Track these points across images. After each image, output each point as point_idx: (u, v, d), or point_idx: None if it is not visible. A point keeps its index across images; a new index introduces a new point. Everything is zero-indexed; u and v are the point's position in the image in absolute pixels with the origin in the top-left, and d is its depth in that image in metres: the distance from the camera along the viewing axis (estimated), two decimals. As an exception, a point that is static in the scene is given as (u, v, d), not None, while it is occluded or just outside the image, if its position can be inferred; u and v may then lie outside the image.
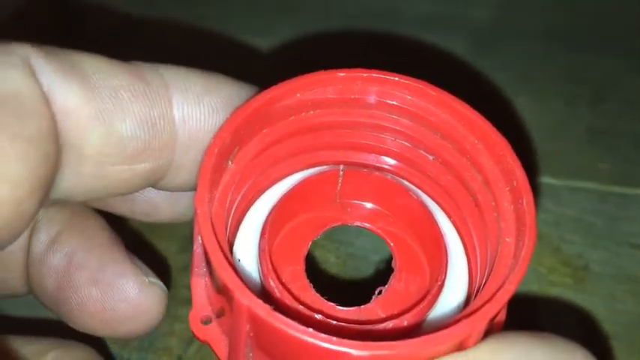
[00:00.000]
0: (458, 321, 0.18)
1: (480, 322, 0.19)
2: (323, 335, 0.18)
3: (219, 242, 0.19)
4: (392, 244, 0.25)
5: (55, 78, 0.19)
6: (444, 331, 0.18)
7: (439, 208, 0.25)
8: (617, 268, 0.34)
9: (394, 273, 0.24)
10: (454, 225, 0.25)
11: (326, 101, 0.23)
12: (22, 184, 0.18)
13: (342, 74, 0.23)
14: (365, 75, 0.23)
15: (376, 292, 0.23)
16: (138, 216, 0.26)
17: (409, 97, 0.23)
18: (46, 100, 0.19)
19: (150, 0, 0.46)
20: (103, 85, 0.19)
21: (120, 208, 0.25)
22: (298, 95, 0.23)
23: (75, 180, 0.20)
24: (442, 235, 0.24)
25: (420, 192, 0.25)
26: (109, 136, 0.20)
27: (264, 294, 0.22)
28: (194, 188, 0.20)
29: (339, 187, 0.25)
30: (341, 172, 0.25)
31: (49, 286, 0.23)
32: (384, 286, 0.24)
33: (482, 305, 0.19)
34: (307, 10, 0.47)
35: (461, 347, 0.19)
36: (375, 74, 0.23)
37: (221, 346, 0.21)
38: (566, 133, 0.40)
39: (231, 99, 0.22)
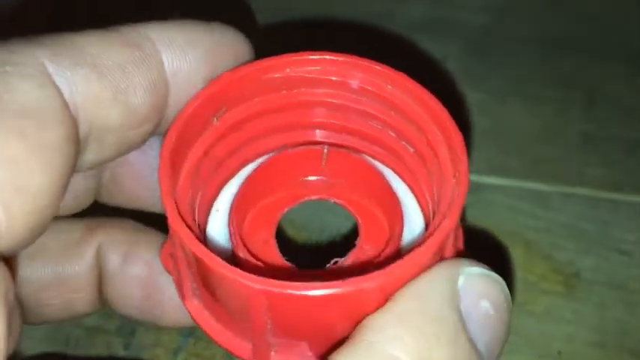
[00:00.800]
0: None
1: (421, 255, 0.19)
2: (232, 267, 0.19)
3: (170, 188, 0.21)
4: (353, 211, 0.26)
5: (71, 78, 0.20)
6: (376, 273, 0.18)
7: (395, 175, 0.26)
8: (608, 275, 0.34)
9: (359, 237, 0.25)
10: (410, 189, 0.25)
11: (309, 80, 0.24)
12: (45, 194, 0.19)
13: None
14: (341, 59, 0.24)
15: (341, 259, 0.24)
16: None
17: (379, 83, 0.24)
18: (65, 106, 0.20)
19: None
20: (111, 66, 0.21)
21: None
22: (288, 70, 0.24)
23: (99, 151, 0.22)
24: (398, 199, 0.25)
25: (374, 161, 0.26)
26: (127, 109, 0.21)
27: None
28: None
29: (323, 163, 0.26)
30: (325, 151, 0.26)
31: (135, 295, 0.27)
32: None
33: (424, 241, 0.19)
34: (297, 10, 0.47)
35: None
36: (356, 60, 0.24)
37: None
38: (557, 138, 0.40)
39: (214, 46, 0.23)
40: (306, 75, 0.24)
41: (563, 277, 0.33)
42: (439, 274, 0.19)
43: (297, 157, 0.26)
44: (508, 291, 0.20)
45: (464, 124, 0.40)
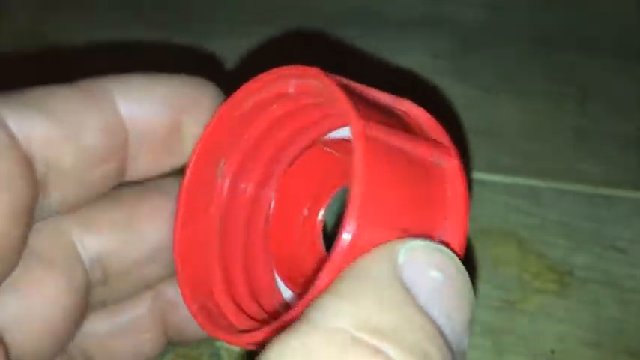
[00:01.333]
0: None
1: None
2: None
3: None
4: None
5: (23, 119, 0.21)
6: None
7: None
8: (602, 272, 0.33)
9: None
10: None
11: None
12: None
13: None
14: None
15: None
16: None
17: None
18: (14, 144, 0.21)
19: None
20: (62, 109, 0.22)
21: None
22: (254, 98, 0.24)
23: (61, 193, 0.23)
24: None
25: None
26: (79, 149, 0.22)
27: None
28: (154, 177, 0.25)
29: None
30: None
31: None
32: None
33: None
34: (290, 10, 0.46)
35: None
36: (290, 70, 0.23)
37: None
38: (550, 134, 0.39)
39: (174, 93, 0.24)
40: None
41: (556, 275, 0.33)
42: (377, 252, 0.19)
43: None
44: (460, 263, 0.19)
45: (455, 121, 0.40)
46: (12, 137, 0.21)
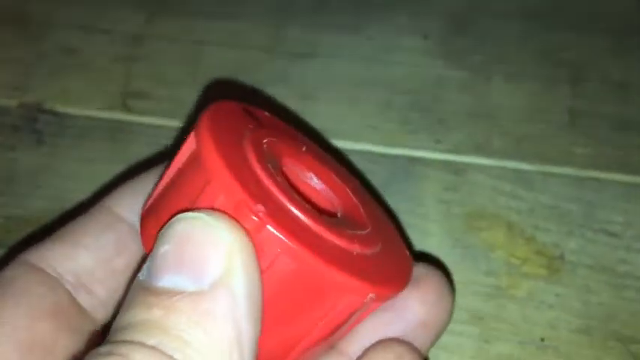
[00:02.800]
0: None
1: None
2: None
3: None
4: None
5: (65, 260, 0.25)
6: None
7: None
8: (593, 257, 0.32)
9: None
10: None
11: None
12: None
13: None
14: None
15: None
16: None
17: None
18: (58, 283, 0.25)
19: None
20: (90, 241, 0.26)
21: None
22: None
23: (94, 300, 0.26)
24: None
25: None
26: (110, 270, 0.26)
27: None
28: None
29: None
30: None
31: None
32: None
33: None
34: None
35: None
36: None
37: None
38: (542, 116, 0.38)
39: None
40: None
41: (546, 259, 0.32)
42: None
43: None
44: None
45: (445, 103, 0.39)
46: (59, 276, 0.24)
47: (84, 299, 0.25)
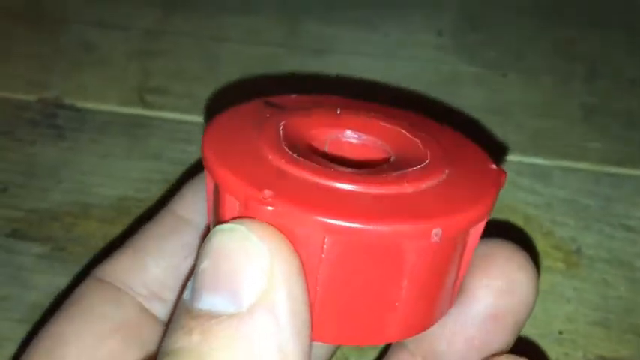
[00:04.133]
0: None
1: None
2: None
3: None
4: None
5: (136, 276, 0.24)
6: None
7: None
8: (611, 251, 0.32)
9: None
10: None
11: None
12: None
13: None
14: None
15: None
16: None
17: None
18: (131, 299, 0.24)
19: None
20: (161, 250, 0.25)
21: None
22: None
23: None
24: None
25: None
26: (179, 275, 0.25)
27: None
28: None
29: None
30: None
31: None
32: None
33: None
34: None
35: None
36: None
37: None
38: (557, 111, 0.39)
39: None
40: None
41: (564, 254, 0.32)
42: None
43: None
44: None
45: (460, 99, 0.39)
46: (129, 289, 0.24)
47: (158, 309, 0.24)
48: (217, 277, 0.17)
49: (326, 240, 0.18)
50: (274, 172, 0.19)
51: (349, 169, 0.20)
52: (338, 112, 0.23)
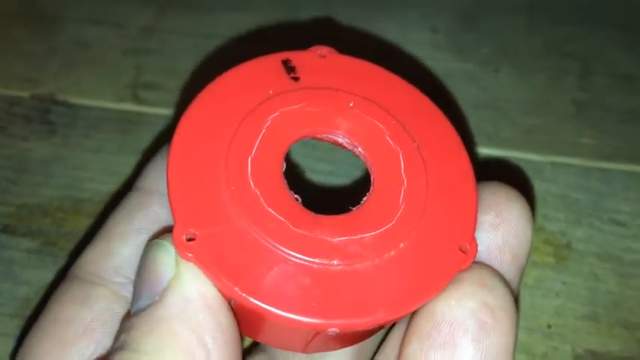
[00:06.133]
0: None
1: None
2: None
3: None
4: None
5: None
6: None
7: None
8: (601, 245, 0.32)
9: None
10: None
11: None
12: None
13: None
14: None
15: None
16: None
17: None
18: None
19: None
20: None
21: None
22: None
23: None
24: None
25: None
26: None
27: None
28: None
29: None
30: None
31: None
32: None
33: None
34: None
35: None
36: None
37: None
38: (550, 107, 0.39)
39: None
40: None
41: (554, 248, 0.32)
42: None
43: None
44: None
45: (454, 95, 0.39)
46: (101, 279, 0.24)
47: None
48: (142, 282, 0.19)
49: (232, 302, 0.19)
50: (221, 206, 0.19)
51: (305, 223, 0.19)
52: (351, 104, 0.23)
